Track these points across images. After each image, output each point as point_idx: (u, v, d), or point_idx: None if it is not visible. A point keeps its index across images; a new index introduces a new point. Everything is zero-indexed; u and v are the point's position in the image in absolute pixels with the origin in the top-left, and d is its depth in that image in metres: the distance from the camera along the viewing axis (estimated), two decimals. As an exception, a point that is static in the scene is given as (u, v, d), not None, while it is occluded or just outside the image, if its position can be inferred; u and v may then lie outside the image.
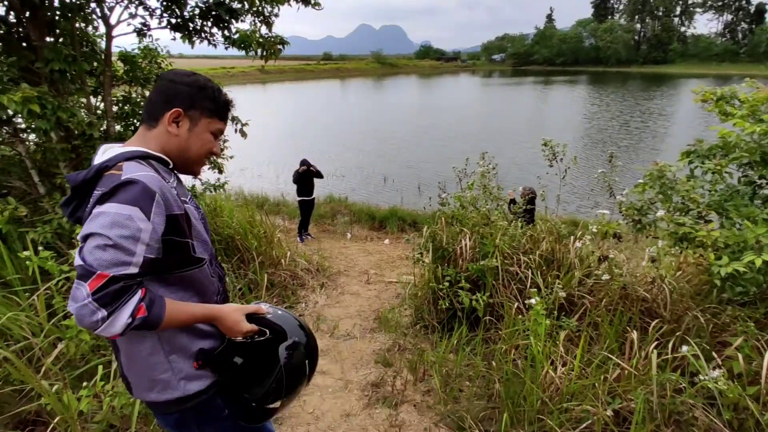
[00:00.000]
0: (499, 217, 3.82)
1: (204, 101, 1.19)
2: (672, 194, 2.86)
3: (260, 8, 4.26)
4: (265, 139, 17.31)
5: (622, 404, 2.24)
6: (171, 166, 1.21)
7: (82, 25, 4.07)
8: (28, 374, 2.03)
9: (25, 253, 2.46)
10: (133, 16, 4.12)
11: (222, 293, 1.32)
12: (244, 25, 4.34)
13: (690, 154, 3.14)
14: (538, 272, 3.30)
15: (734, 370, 2.18)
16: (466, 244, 3.59)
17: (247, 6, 4.18)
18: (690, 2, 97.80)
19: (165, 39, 4.61)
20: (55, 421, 1.97)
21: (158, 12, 4.18)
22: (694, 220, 2.65)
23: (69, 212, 1.17)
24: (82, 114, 3.45)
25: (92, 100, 4.16)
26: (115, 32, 3.95)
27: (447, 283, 3.45)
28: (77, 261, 0.98)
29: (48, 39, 3.59)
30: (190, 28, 4.22)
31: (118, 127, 4.14)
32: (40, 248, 2.58)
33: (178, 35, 4.25)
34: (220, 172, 5.47)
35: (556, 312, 2.86)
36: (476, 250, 3.57)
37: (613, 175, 3.56)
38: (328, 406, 2.78)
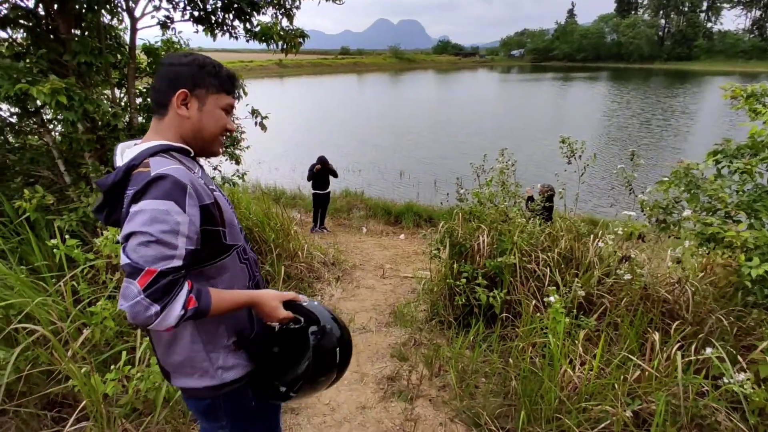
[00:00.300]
0: (517, 214, 3.78)
1: (207, 78, 1.18)
2: (698, 193, 2.79)
3: (282, 0, 4.28)
4: (283, 133, 17.38)
5: (642, 405, 2.20)
6: (192, 155, 1.22)
7: (108, 17, 4.15)
8: (62, 353, 2.08)
9: (53, 241, 2.54)
10: (157, 8, 4.19)
11: (254, 279, 1.32)
12: (265, 17, 4.38)
13: (717, 153, 3.06)
14: (557, 270, 3.27)
15: (760, 374, 2.13)
16: (483, 241, 3.57)
17: (268, -2, 4.21)
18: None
19: (187, 32, 4.67)
20: (83, 403, 2.02)
21: (182, 5, 4.25)
22: (722, 220, 2.59)
23: (104, 217, 1.18)
24: (107, 105, 3.51)
25: (116, 92, 4.25)
26: (139, 25, 4.01)
27: (464, 279, 3.44)
28: (123, 260, 0.99)
29: (75, 32, 3.67)
30: (213, 21, 4.27)
31: (140, 119, 4.22)
32: (66, 236, 2.65)
33: (200, 28, 4.30)
34: (237, 163, 5.54)
35: (574, 311, 2.83)
36: (494, 247, 3.55)
37: (632, 172, 3.49)
38: (343, 398, 2.80)
